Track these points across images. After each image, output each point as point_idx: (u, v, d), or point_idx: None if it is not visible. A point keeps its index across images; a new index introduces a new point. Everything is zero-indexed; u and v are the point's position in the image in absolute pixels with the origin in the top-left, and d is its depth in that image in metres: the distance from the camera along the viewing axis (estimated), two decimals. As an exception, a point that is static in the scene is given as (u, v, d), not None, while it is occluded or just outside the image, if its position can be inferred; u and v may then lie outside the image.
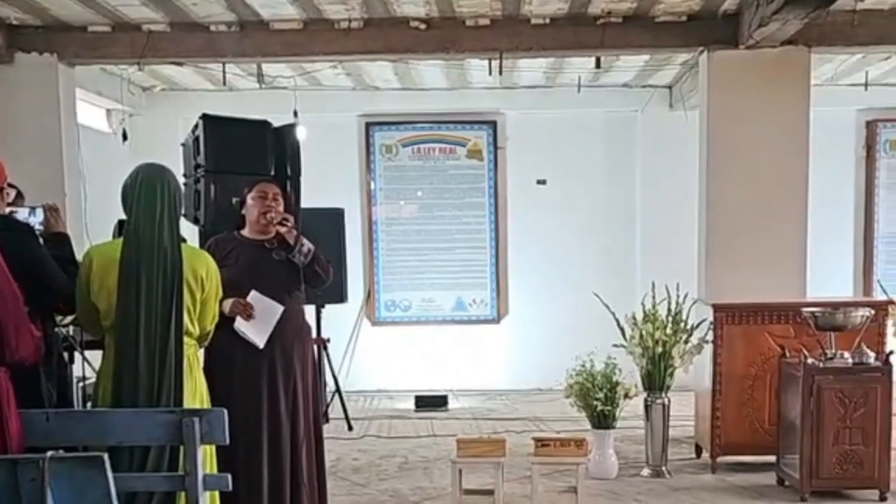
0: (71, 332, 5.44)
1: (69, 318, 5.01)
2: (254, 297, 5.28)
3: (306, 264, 5.49)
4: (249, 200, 5.46)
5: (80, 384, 5.67)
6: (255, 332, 5.27)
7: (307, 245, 5.48)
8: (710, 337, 7.25)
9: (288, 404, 5.42)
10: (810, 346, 6.70)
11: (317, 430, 5.69)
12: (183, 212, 6.20)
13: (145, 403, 4.07)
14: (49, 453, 2.75)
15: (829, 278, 9.84)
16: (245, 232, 5.50)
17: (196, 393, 4.42)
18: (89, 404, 4.77)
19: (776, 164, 7.73)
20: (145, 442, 3.89)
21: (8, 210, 4.57)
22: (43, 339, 4.04)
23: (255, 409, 5.31)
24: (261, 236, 5.48)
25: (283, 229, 5.42)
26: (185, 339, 4.32)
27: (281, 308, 5.37)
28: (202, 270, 4.40)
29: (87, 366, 5.57)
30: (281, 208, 5.47)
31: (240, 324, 5.21)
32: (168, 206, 4.26)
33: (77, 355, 5.58)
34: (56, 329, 4.72)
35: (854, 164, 11.31)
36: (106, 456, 2.78)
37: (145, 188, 4.26)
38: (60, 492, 2.74)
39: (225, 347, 5.10)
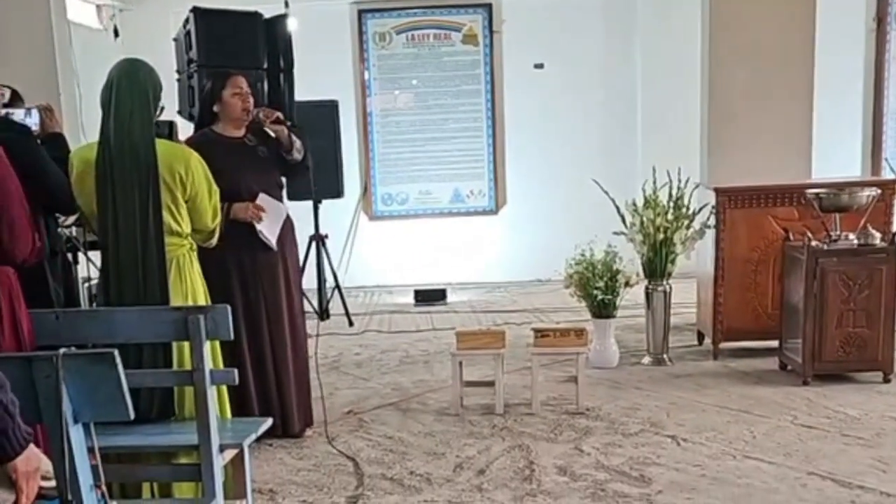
0: (73, 233, 5.42)
1: (71, 219, 4.98)
2: (262, 199, 5.31)
3: (300, 160, 5.48)
4: (227, 97, 5.36)
5: (86, 284, 5.67)
6: (270, 233, 5.35)
7: (298, 140, 5.46)
8: (712, 222, 7.16)
9: (288, 297, 5.52)
10: (815, 228, 6.61)
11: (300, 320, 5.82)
12: (178, 108, 6.17)
13: (132, 304, 4.05)
14: (62, 350, 2.76)
15: (835, 158, 9.51)
16: (219, 129, 5.42)
17: (188, 296, 4.34)
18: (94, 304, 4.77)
19: (781, 40, 7.48)
20: (153, 339, 3.88)
21: (4, 112, 4.52)
22: (45, 240, 4.00)
23: (257, 306, 5.35)
24: (237, 133, 5.41)
25: (277, 127, 5.36)
26: (174, 239, 4.26)
27: (286, 208, 5.40)
28: (180, 167, 4.25)
29: (90, 266, 5.56)
30: (252, 102, 5.40)
31: (261, 226, 5.27)
32: (139, 102, 4.14)
33: (81, 256, 5.57)
34: (59, 230, 4.70)
35: (864, 38, 10.67)
36: (116, 352, 2.79)
37: (115, 86, 4.16)
38: (75, 387, 2.77)
39: (218, 251, 4.83)
